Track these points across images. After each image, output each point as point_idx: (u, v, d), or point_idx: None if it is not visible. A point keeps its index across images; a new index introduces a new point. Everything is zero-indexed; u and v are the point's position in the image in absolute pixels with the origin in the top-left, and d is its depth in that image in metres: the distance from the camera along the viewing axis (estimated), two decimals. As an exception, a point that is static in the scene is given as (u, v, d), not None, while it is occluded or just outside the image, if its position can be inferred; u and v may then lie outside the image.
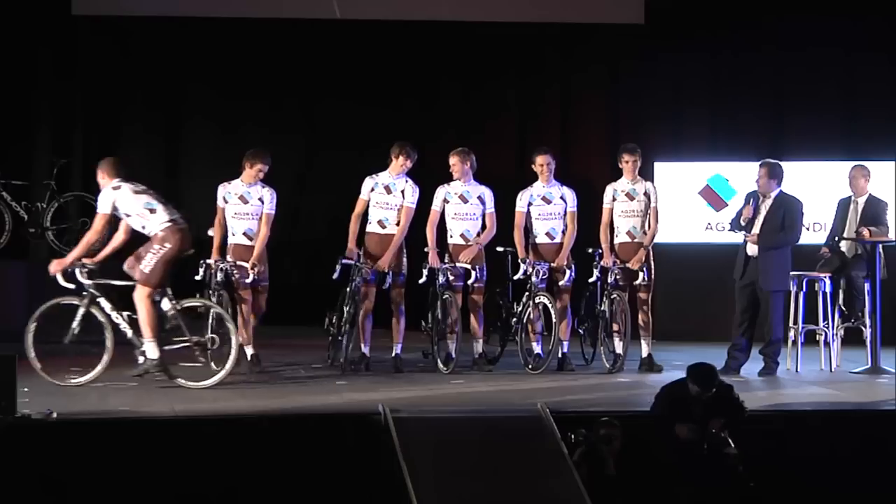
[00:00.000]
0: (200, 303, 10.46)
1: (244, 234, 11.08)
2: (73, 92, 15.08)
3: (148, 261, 9.96)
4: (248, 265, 10.89)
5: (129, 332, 10.02)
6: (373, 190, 11.26)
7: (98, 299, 10.08)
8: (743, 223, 11.25)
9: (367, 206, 11.24)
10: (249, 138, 14.54)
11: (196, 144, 15.31)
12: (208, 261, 10.91)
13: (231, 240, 11.10)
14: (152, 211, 10.08)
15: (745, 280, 11.21)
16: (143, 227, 10.10)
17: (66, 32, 14.95)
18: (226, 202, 11.14)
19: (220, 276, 10.81)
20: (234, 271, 10.92)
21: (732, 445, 8.36)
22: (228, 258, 10.97)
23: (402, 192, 11.24)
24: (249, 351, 10.99)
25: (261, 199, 11.11)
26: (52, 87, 15.02)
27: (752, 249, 11.19)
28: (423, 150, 14.91)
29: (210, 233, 11.21)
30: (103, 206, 10.17)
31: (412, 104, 15.40)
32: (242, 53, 15.07)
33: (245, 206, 11.11)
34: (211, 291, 10.77)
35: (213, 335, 10.25)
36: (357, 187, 11.39)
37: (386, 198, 11.25)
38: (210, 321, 10.40)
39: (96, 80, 15.09)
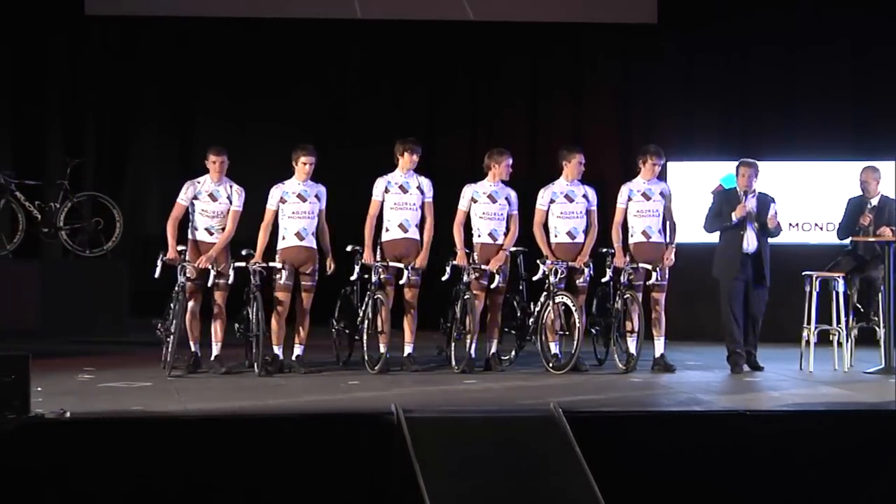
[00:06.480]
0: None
1: (296, 234, 10.93)
2: (86, 92, 15.12)
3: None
4: (307, 271, 10.87)
5: None
6: (387, 191, 11.09)
7: None
8: (736, 219, 11.21)
9: (382, 208, 11.13)
10: (262, 136, 14.63)
11: (209, 143, 15.28)
12: (255, 266, 10.78)
13: (281, 244, 10.95)
14: None
15: (742, 276, 11.22)
16: None
17: (78, 33, 14.99)
18: (283, 202, 10.93)
19: (256, 279, 10.75)
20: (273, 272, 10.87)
21: None
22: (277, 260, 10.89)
23: (419, 188, 11.11)
24: (275, 350, 11.03)
25: (317, 196, 11.00)
26: (64, 87, 15.06)
27: (749, 245, 11.19)
28: (433, 148, 15.04)
29: None
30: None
31: (424, 103, 15.42)
32: (253, 52, 15.11)
33: (303, 205, 10.96)
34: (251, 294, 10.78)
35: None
36: (368, 184, 11.24)
37: (404, 198, 11.09)
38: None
39: (109, 80, 15.12)
